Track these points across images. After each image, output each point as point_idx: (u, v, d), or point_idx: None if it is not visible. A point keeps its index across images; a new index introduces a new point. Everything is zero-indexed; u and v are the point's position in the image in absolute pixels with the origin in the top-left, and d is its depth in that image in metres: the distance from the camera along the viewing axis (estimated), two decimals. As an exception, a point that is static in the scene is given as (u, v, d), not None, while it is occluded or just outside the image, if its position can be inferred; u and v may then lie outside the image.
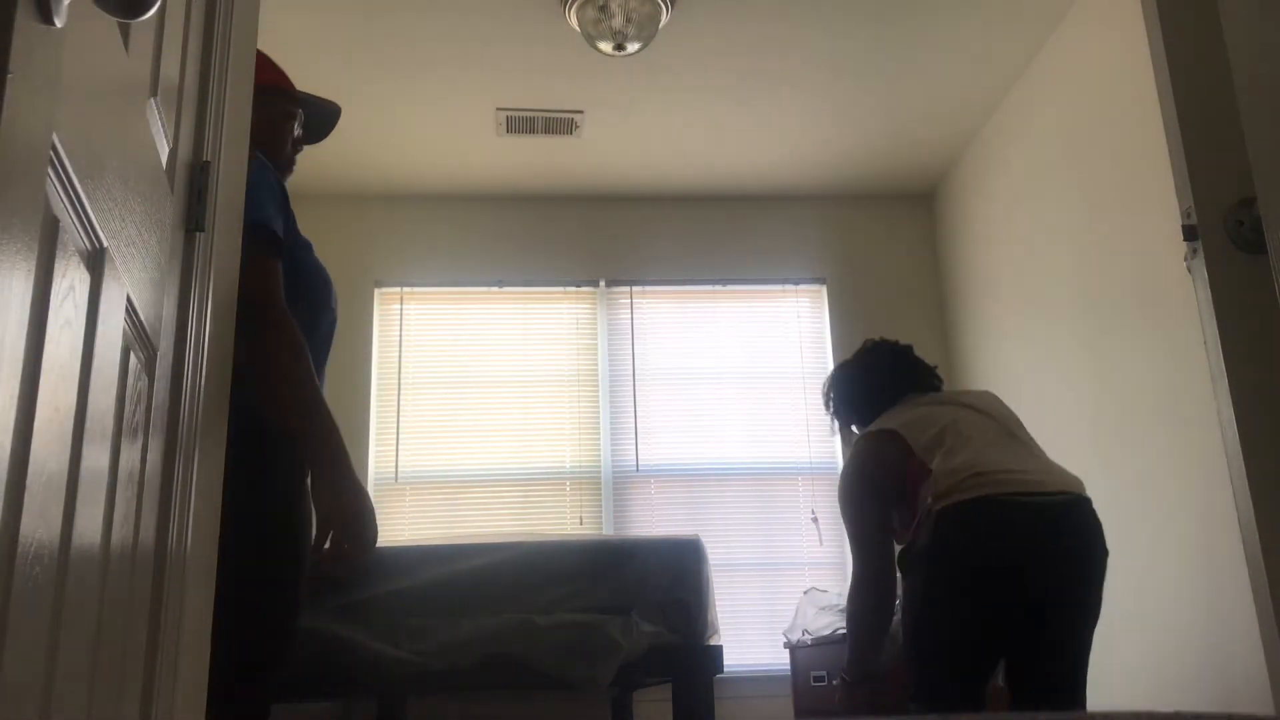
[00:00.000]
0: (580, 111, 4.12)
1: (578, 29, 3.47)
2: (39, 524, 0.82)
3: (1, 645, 0.74)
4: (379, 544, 2.38)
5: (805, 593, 3.63)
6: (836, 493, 3.05)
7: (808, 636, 3.34)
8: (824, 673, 3.21)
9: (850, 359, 2.75)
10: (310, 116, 2.17)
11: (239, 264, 1.63)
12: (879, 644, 2.47)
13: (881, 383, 2.63)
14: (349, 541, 1.53)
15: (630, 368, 4.68)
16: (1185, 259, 1.47)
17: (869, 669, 2.48)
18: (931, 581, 2.22)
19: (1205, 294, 1.40)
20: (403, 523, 4.40)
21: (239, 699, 1.55)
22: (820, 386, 2.84)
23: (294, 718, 3.99)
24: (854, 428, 2.72)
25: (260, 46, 1.73)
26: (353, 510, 1.54)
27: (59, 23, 0.78)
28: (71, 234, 0.90)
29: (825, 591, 3.59)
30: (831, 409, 2.76)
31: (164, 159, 1.26)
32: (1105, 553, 2.24)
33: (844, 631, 2.95)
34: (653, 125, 4.24)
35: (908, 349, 2.72)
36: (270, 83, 2.00)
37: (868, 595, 2.42)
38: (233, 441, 1.52)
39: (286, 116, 2.03)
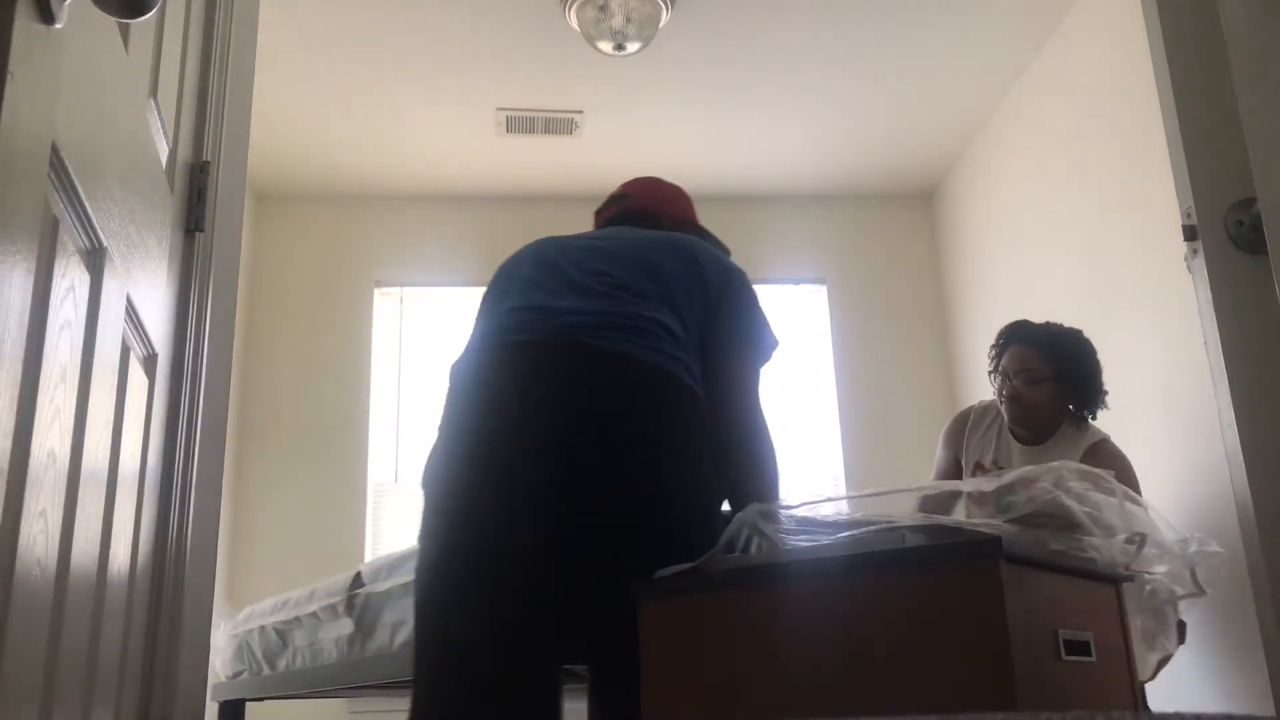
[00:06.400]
0: (580, 111, 4.12)
1: (578, 29, 3.47)
2: (39, 524, 0.82)
3: (1, 645, 0.74)
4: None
5: None
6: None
7: None
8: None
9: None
10: None
11: (238, 266, 1.63)
12: None
13: None
14: None
15: (630, 368, 4.67)
16: (1185, 259, 1.47)
17: None
18: None
19: (1205, 294, 1.40)
20: (403, 524, 4.40)
21: None
22: (1064, 344, 2.69)
23: (301, 711, 4.00)
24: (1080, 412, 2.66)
25: (261, 47, 1.74)
26: None
27: (59, 23, 0.78)
28: (71, 234, 0.90)
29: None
30: (1074, 379, 2.65)
31: (164, 159, 1.26)
32: None
33: None
34: (653, 125, 4.24)
35: None
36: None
37: None
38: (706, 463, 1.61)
39: None
